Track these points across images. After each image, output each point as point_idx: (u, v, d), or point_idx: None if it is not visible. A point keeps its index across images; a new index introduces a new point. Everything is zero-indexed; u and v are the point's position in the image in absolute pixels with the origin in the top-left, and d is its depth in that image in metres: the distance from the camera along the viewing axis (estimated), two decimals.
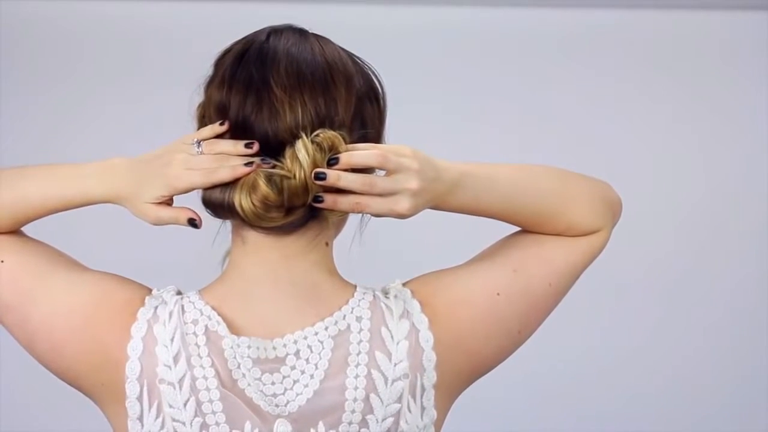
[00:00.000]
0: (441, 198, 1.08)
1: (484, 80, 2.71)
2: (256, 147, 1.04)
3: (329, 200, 1.04)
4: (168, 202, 1.07)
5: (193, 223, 1.06)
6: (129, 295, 1.09)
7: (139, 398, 1.05)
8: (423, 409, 1.08)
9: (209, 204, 1.06)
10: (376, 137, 1.12)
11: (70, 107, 2.56)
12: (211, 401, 1.04)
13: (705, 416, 2.71)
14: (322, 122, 1.05)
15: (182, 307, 1.07)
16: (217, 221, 1.11)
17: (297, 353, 1.06)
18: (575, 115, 2.73)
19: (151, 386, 1.05)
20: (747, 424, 2.72)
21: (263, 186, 1.01)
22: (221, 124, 1.06)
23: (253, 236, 1.08)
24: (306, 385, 1.05)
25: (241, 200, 1.02)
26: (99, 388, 1.08)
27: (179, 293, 1.10)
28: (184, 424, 1.04)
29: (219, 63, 1.11)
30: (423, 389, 1.07)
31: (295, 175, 1.02)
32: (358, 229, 1.14)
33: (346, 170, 1.03)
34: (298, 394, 1.05)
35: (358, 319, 1.07)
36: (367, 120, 1.10)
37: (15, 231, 1.14)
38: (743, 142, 2.76)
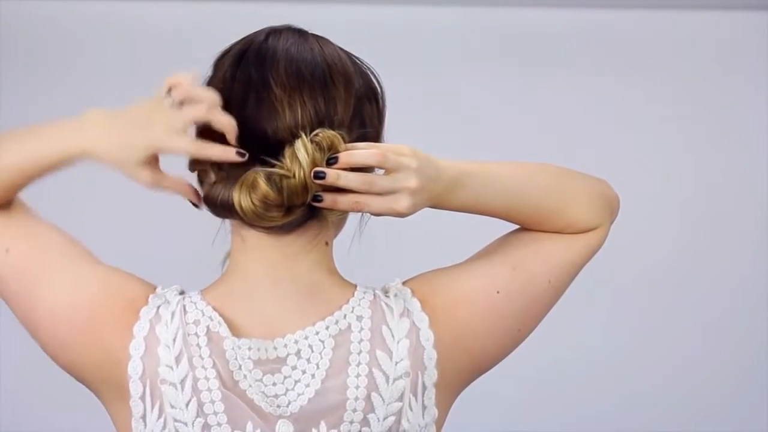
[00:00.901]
0: (440, 197, 1.08)
1: (484, 80, 2.72)
2: (246, 158, 1.03)
3: (329, 199, 1.04)
4: (154, 163, 1.04)
5: (193, 202, 1.06)
6: (134, 294, 1.09)
7: (142, 398, 1.05)
8: (424, 407, 1.08)
9: (209, 202, 1.06)
10: (376, 137, 1.12)
11: (70, 107, 2.52)
12: (212, 402, 1.04)
13: (705, 416, 2.71)
14: (321, 122, 1.05)
15: (184, 307, 1.07)
16: (216, 220, 1.11)
17: (298, 353, 1.06)
18: (575, 115, 2.73)
19: (153, 386, 1.05)
20: (747, 424, 2.72)
21: (263, 185, 1.01)
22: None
23: (252, 236, 1.08)
24: (307, 385, 1.05)
25: (241, 199, 1.02)
26: (102, 385, 1.08)
27: (182, 293, 1.10)
28: (186, 424, 1.04)
29: (218, 64, 1.11)
30: (424, 388, 1.08)
31: (294, 175, 1.02)
32: (358, 228, 1.14)
33: (345, 169, 1.03)
34: (299, 394, 1.05)
35: (359, 318, 1.08)
36: (366, 119, 1.10)
37: (17, 207, 1.11)
38: (743, 142, 2.76)
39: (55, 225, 1.13)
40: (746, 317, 2.73)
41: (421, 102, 2.59)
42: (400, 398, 1.06)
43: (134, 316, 1.07)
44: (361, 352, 1.06)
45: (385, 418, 1.05)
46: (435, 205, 1.09)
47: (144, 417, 1.05)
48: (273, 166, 1.02)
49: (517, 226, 1.18)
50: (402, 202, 1.04)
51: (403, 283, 1.12)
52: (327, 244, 1.11)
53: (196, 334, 1.06)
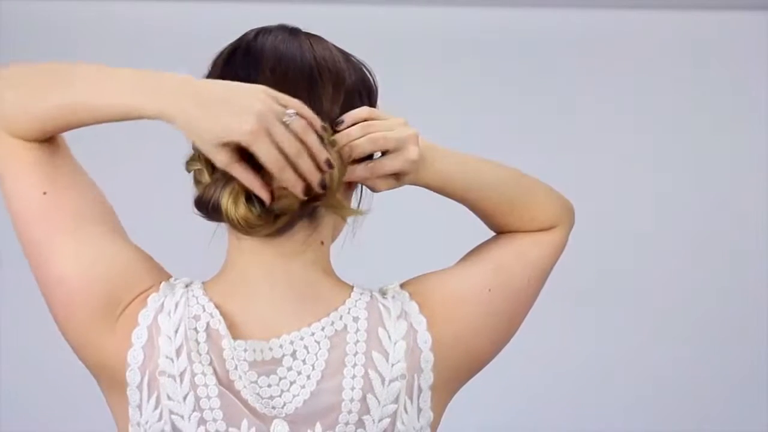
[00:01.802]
0: (420, 163, 1.10)
1: (484, 80, 2.72)
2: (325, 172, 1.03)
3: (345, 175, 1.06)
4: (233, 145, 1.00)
5: (262, 200, 1.02)
6: (150, 279, 1.08)
7: (139, 387, 1.05)
8: (420, 410, 1.08)
9: (201, 205, 1.06)
10: None
11: None
12: (209, 397, 1.04)
13: (705, 416, 2.71)
14: None
15: (187, 300, 1.07)
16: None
17: (293, 354, 1.06)
18: (574, 115, 2.73)
19: (151, 376, 1.05)
20: (747, 424, 2.72)
21: (242, 206, 1.02)
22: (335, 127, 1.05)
23: (246, 237, 1.08)
24: (303, 386, 1.05)
25: (228, 207, 1.03)
26: (100, 369, 1.08)
27: (187, 285, 1.10)
28: (182, 417, 1.04)
29: (213, 64, 1.11)
30: (420, 390, 1.08)
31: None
32: (351, 230, 1.15)
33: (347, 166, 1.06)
34: (294, 396, 1.05)
35: (355, 319, 1.08)
36: None
37: (63, 150, 1.09)
38: (743, 141, 2.76)
39: (94, 183, 1.11)
40: (746, 317, 2.73)
41: (421, 102, 2.59)
42: (396, 400, 1.06)
43: (142, 303, 1.07)
44: (356, 353, 1.06)
45: (380, 420, 1.05)
46: (412, 180, 1.11)
47: (140, 406, 1.05)
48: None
49: (494, 234, 1.22)
50: (412, 149, 1.08)
51: (401, 286, 1.13)
52: (322, 244, 1.11)
53: (195, 329, 1.06)
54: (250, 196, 1.03)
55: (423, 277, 1.14)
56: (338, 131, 1.06)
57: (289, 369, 1.06)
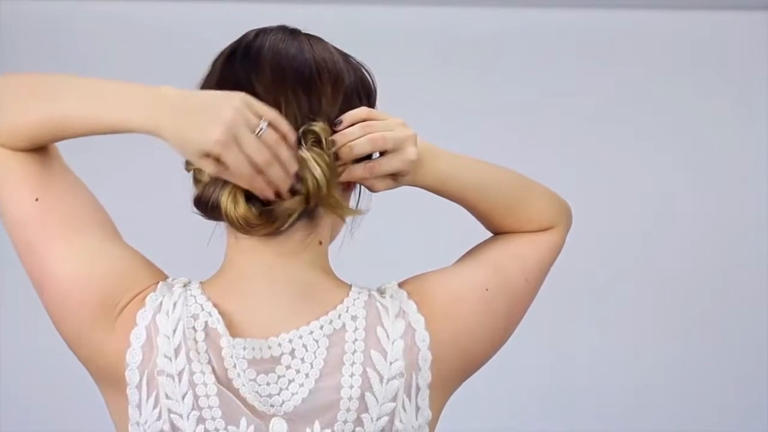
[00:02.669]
0: (417, 163, 1.11)
1: (483, 80, 2.72)
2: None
3: (345, 175, 1.07)
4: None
5: (264, 197, 1.03)
6: (147, 280, 1.09)
7: (138, 386, 1.05)
8: (418, 408, 1.08)
9: (201, 204, 1.06)
10: None
11: None
12: (207, 396, 1.04)
13: (705, 416, 2.71)
14: (305, 119, 1.06)
15: (185, 299, 1.07)
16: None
17: (292, 352, 1.06)
18: (574, 115, 2.73)
19: (150, 376, 1.05)
20: (747, 424, 2.72)
21: (242, 205, 1.03)
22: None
23: (245, 237, 1.08)
24: (301, 385, 1.05)
25: (227, 207, 1.04)
26: (98, 369, 1.08)
27: (185, 285, 1.10)
28: (181, 416, 1.04)
29: (213, 64, 1.12)
30: (418, 389, 1.08)
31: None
32: (349, 230, 1.16)
33: (347, 162, 1.07)
34: (293, 394, 1.05)
35: (354, 318, 1.08)
36: None
37: (55, 156, 1.10)
38: (743, 141, 2.76)
39: (86, 187, 1.11)
40: (746, 317, 2.73)
41: (420, 102, 2.60)
42: (394, 399, 1.06)
43: (140, 303, 1.07)
44: (355, 351, 1.06)
45: (378, 418, 1.06)
46: (409, 180, 1.12)
47: (139, 405, 1.05)
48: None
49: (491, 235, 1.23)
50: (411, 150, 1.08)
51: (399, 285, 1.13)
52: (321, 243, 1.11)
53: (194, 328, 1.06)
54: (249, 196, 1.03)
55: (421, 277, 1.15)
56: (337, 131, 1.07)
57: (288, 367, 1.06)
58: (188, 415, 1.04)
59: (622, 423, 2.69)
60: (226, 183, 1.04)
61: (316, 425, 1.05)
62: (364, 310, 1.08)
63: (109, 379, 1.07)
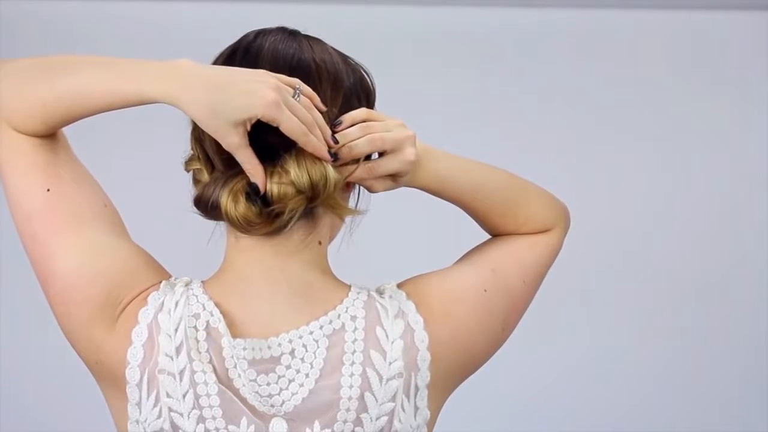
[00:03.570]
0: (416, 164, 1.11)
1: (483, 80, 2.72)
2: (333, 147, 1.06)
3: (345, 171, 1.07)
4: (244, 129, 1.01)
5: (255, 188, 1.03)
6: (151, 279, 1.09)
7: (139, 385, 1.05)
8: (416, 408, 1.08)
9: (201, 204, 1.07)
10: None
11: None
12: (208, 395, 1.04)
13: (705, 416, 2.71)
14: None
15: (187, 298, 1.07)
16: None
17: (292, 352, 1.06)
18: (573, 116, 2.73)
19: (151, 374, 1.05)
20: (747, 424, 2.72)
21: (242, 203, 1.03)
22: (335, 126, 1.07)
23: (245, 236, 1.08)
24: (301, 385, 1.05)
25: (228, 206, 1.04)
26: (99, 366, 1.08)
27: (187, 284, 1.10)
28: (181, 415, 1.04)
29: (213, 64, 1.11)
30: (417, 389, 1.08)
31: (293, 182, 1.04)
32: (348, 230, 1.16)
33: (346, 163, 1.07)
34: (293, 394, 1.05)
35: (353, 318, 1.08)
36: None
37: (64, 146, 1.09)
38: (743, 142, 2.76)
39: (96, 180, 1.11)
40: (746, 317, 2.73)
41: (420, 103, 2.60)
42: (393, 399, 1.06)
43: (143, 302, 1.07)
44: (355, 351, 1.07)
45: (377, 418, 1.06)
46: (408, 181, 1.12)
47: (139, 404, 1.06)
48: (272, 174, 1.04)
49: (489, 237, 1.23)
50: (409, 151, 1.09)
51: (398, 286, 1.13)
52: (320, 243, 1.11)
53: (195, 327, 1.06)
54: (249, 195, 1.03)
55: (420, 277, 1.15)
56: (337, 132, 1.07)
57: (288, 367, 1.06)
58: (188, 414, 1.04)
59: (622, 423, 2.69)
60: (225, 183, 1.04)
61: (316, 425, 1.05)
62: (364, 311, 1.09)
63: (108, 376, 1.07)
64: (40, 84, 1.04)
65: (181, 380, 1.04)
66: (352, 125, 1.08)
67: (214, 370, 1.05)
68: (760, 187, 2.74)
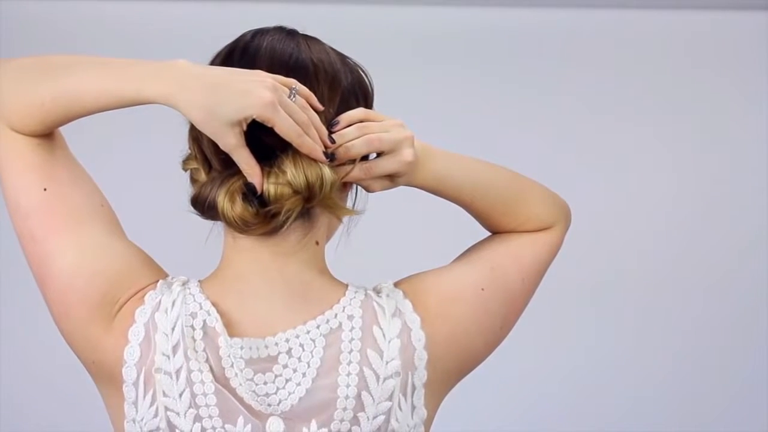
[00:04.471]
0: (415, 164, 1.11)
1: (483, 80, 2.72)
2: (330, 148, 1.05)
3: (342, 171, 1.07)
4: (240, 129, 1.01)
5: (252, 188, 1.03)
6: (148, 278, 1.09)
7: (135, 384, 1.05)
8: (413, 407, 1.08)
9: (198, 204, 1.07)
10: None
11: None
12: (205, 394, 1.04)
13: (705, 416, 2.71)
14: None
15: (184, 298, 1.07)
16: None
17: (289, 352, 1.06)
18: (573, 116, 2.73)
19: (147, 373, 1.05)
20: (747, 424, 2.72)
21: (239, 204, 1.03)
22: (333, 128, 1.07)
23: (242, 236, 1.08)
24: (298, 384, 1.05)
25: (224, 206, 1.04)
26: (96, 365, 1.08)
27: (184, 284, 1.10)
28: (178, 414, 1.04)
29: (211, 64, 1.11)
30: (414, 388, 1.08)
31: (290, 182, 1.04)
32: (346, 230, 1.16)
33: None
34: (290, 393, 1.05)
35: (350, 317, 1.08)
36: None
37: (61, 145, 1.09)
38: (743, 141, 2.76)
39: (92, 179, 1.11)
40: (747, 317, 2.73)
41: (419, 103, 2.60)
42: (390, 398, 1.06)
43: (139, 301, 1.07)
44: (352, 351, 1.07)
45: (374, 417, 1.06)
46: (406, 181, 1.12)
47: (136, 403, 1.06)
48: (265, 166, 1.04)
49: (489, 234, 1.22)
50: (407, 152, 1.09)
51: (395, 285, 1.13)
52: (317, 243, 1.11)
53: (192, 326, 1.06)
54: (246, 195, 1.03)
55: (417, 276, 1.15)
56: (334, 132, 1.07)
57: (285, 366, 1.06)
58: (185, 413, 1.04)
59: (622, 423, 2.69)
60: (222, 183, 1.04)
61: (313, 424, 1.05)
62: (361, 310, 1.09)
63: (105, 375, 1.07)
64: (38, 84, 1.05)
65: (177, 379, 1.04)
66: (349, 125, 1.08)
67: (211, 370, 1.05)
68: (760, 187, 2.74)
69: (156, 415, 1.05)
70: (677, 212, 2.75)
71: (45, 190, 1.07)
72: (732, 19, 2.75)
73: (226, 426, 1.04)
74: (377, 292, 1.12)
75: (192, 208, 1.08)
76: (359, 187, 1.14)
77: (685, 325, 2.73)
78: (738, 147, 2.76)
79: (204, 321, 1.06)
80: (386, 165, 1.09)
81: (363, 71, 1.14)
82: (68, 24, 2.60)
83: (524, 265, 1.18)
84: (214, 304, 1.07)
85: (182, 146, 1.11)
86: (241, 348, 1.05)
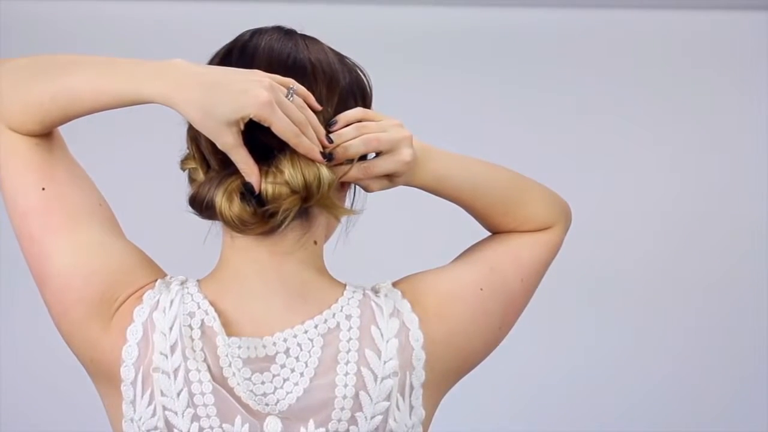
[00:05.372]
0: (413, 164, 1.11)
1: (483, 80, 2.72)
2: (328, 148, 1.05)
3: (340, 171, 1.07)
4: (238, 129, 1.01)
5: (249, 188, 1.03)
6: (146, 278, 1.09)
7: (133, 383, 1.05)
8: (411, 407, 1.08)
9: (196, 203, 1.07)
10: None
11: None
12: (203, 394, 1.04)
13: (705, 416, 2.71)
14: None
15: (182, 297, 1.07)
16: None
17: (287, 351, 1.06)
18: (574, 116, 2.73)
19: (145, 372, 1.05)
20: (747, 424, 2.72)
21: (237, 203, 1.03)
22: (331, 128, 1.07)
23: (240, 236, 1.08)
24: (296, 383, 1.06)
25: (222, 206, 1.04)
26: (94, 365, 1.08)
27: (183, 283, 1.10)
28: (176, 413, 1.04)
29: (209, 64, 1.11)
30: (412, 388, 1.08)
31: (286, 184, 1.04)
32: (344, 230, 1.16)
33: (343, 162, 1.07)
34: (288, 393, 1.05)
35: (348, 317, 1.08)
36: None
37: (59, 144, 1.10)
38: (743, 141, 2.76)
39: (91, 179, 1.11)
40: (746, 317, 2.73)
41: (418, 102, 2.60)
42: (388, 397, 1.06)
43: (138, 300, 1.07)
44: (349, 350, 1.07)
45: (372, 417, 1.06)
46: (405, 181, 1.12)
47: (134, 402, 1.06)
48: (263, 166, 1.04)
49: (488, 234, 1.22)
50: (406, 152, 1.09)
51: (393, 284, 1.13)
52: (316, 243, 1.11)
53: (190, 326, 1.06)
54: (244, 195, 1.03)
55: (415, 276, 1.15)
56: (332, 132, 1.07)
57: (283, 366, 1.06)
58: (183, 413, 1.04)
59: (622, 423, 2.69)
60: (221, 182, 1.04)
61: (311, 424, 1.05)
62: (359, 309, 1.09)
63: (103, 374, 1.08)
64: (37, 84, 1.05)
65: (175, 378, 1.04)
66: (348, 125, 1.08)
67: (209, 369, 1.05)
68: (760, 187, 2.74)
69: (154, 415, 1.05)
70: (677, 212, 2.74)
71: (43, 189, 1.07)
72: (732, 19, 2.75)
73: (223, 425, 1.04)
74: (375, 291, 1.12)
75: (190, 208, 1.08)
76: (358, 187, 1.14)
77: (685, 325, 2.73)
78: (738, 147, 2.75)
79: (202, 320, 1.06)
80: (384, 165, 1.09)
81: (361, 71, 1.14)
82: (68, 24, 2.60)
83: (524, 266, 1.18)
84: (212, 304, 1.07)
85: (180, 146, 1.11)
86: (239, 347, 1.05)
